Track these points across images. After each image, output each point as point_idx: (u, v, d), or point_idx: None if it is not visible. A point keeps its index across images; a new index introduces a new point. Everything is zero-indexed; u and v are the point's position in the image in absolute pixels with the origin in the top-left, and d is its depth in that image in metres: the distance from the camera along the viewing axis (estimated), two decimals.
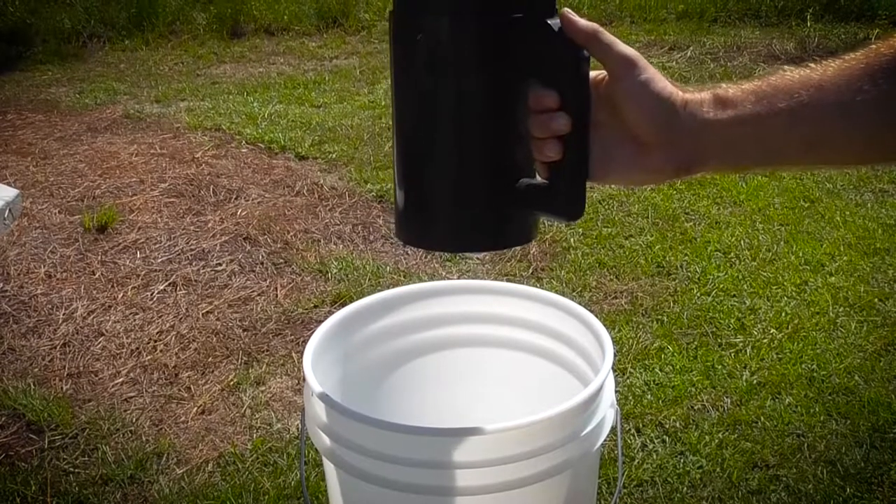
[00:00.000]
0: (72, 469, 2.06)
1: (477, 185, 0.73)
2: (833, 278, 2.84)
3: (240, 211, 3.32)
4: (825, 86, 0.70)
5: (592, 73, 0.73)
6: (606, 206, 3.34)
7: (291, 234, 3.17)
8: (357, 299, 1.05)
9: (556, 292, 1.05)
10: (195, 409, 2.28)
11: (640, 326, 2.56)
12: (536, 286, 1.05)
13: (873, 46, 0.70)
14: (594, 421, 0.85)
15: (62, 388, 2.36)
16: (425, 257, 2.98)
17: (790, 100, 0.70)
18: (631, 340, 2.48)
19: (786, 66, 0.72)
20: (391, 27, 0.74)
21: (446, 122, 0.72)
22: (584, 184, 0.74)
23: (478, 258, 2.74)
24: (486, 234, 0.76)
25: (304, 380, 0.89)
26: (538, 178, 0.75)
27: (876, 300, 2.72)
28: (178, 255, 3.01)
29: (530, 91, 0.71)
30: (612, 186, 3.43)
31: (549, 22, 0.71)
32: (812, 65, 0.71)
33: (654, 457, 2.06)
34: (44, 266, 2.92)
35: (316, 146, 3.97)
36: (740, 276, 2.87)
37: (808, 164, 0.77)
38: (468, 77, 0.71)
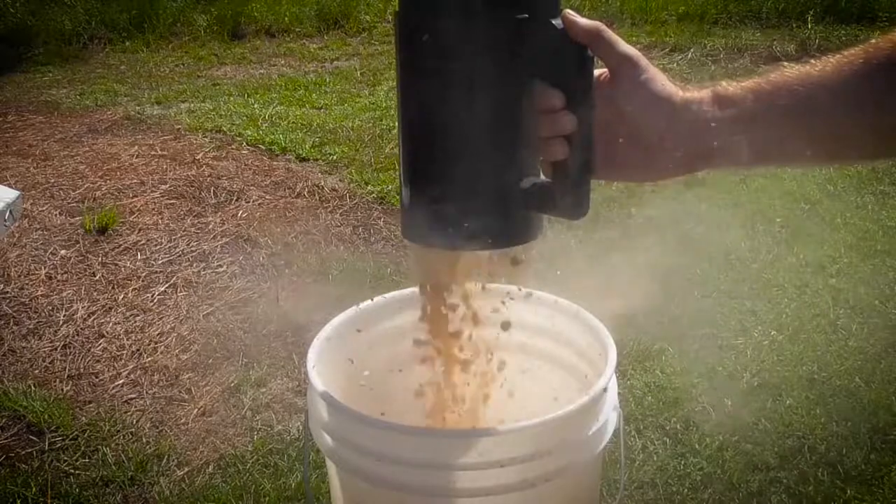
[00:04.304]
0: (72, 471, 2.06)
1: (482, 184, 0.73)
2: (833, 280, 2.84)
3: (240, 212, 3.32)
4: (824, 82, 0.70)
5: (595, 72, 0.74)
6: (607, 208, 3.34)
7: (292, 235, 3.17)
8: (358, 301, 1.05)
9: (558, 294, 1.05)
10: (196, 410, 2.28)
11: (641, 328, 2.56)
12: (536, 289, 1.05)
13: (873, 41, 0.70)
14: (597, 423, 0.85)
15: (63, 389, 2.36)
16: None
17: (790, 97, 0.70)
18: (631, 342, 2.48)
19: (785, 63, 0.72)
20: (396, 28, 0.74)
21: (451, 121, 0.72)
22: (589, 183, 0.74)
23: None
24: (491, 233, 0.76)
25: (305, 381, 0.89)
26: (543, 177, 0.75)
27: (876, 302, 2.72)
28: (179, 256, 3.01)
29: (535, 91, 0.71)
30: (613, 188, 3.43)
31: (552, 22, 0.71)
32: (812, 61, 0.71)
33: (655, 458, 2.06)
34: (44, 268, 2.92)
35: (317, 148, 3.97)
36: (741, 278, 2.87)
37: (809, 161, 0.77)
38: (473, 77, 0.71)
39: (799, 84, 0.70)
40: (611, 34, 0.72)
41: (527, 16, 0.70)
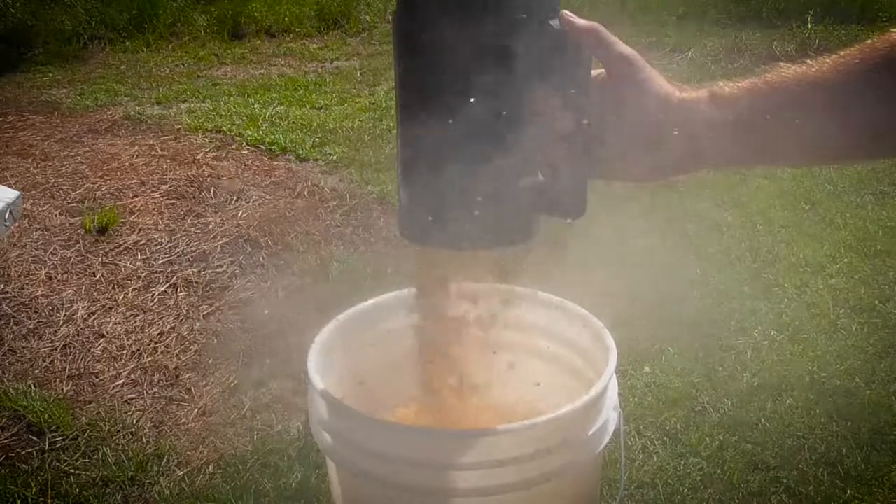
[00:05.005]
0: (72, 471, 2.06)
1: (480, 184, 0.73)
2: (833, 280, 2.84)
3: (240, 213, 3.32)
4: (821, 82, 0.70)
5: (593, 73, 0.74)
6: (606, 208, 3.33)
7: (292, 235, 3.17)
8: (358, 302, 1.05)
9: (557, 294, 1.05)
10: (196, 410, 2.28)
11: (641, 328, 2.56)
12: (536, 289, 1.05)
13: (869, 42, 0.70)
14: (598, 423, 0.85)
15: (63, 389, 2.36)
16: None
17: (786, 96, 0.70)
18: (632, 342, 2.48)
19: (782, 63, 0.73)
20: (394, 29, 0.74)
21: (450, 121, 0.72)
22: (587, 182, 0.74)
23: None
24: (489, 233, 0.76)
25: (305, 381, 0.89)
26: (541, 177, 0.75)
27: (876, 302, 2.72)
28: (179, 256, 3.01)
29: (534, 91, 0.71)
30: (613, 188, 3.43)
31: (551, 22, 0.71)
32: (808, 61, 0.71)
33: (655, 458, 2.06)
34: (44, 268, 2.92)
35: (317, 148, 3.97)
36: (741, 278, 2.87)
37: (806, 160, 0.77)
38: (472, 78, 0.71)
39: (795, 84, 0.70)
40: (609, 35, 0.72)
41: (525, 16, 0.70)
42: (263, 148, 3.98)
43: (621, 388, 2.38)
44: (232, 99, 4.73)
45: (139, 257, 3.01)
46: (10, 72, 5.28)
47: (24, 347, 2.54)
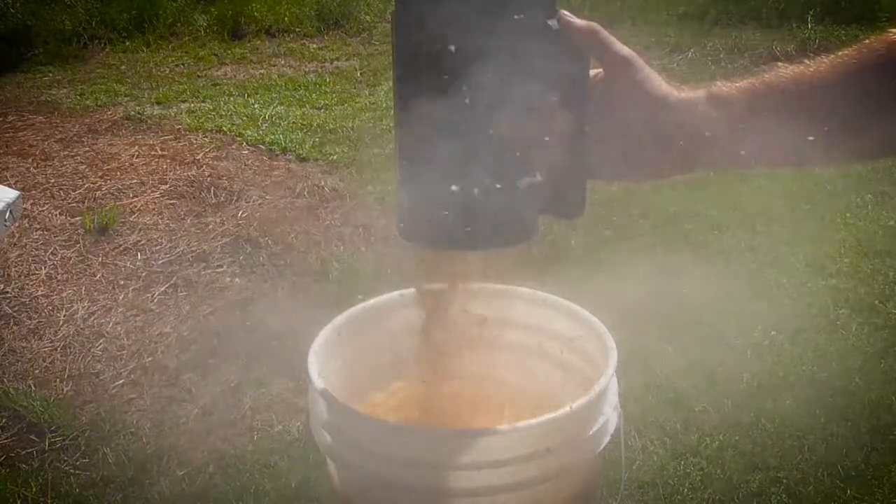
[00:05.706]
0: (72, 471, 2.06)
1: (479, 184, 0.74)
2: (834, 280, 2.84)
3: (240, 213, 3.32)
4: (817, 82, 0.70)
5: (591, 73, 0.74)
6: (606, 208, 3.34)
7: (292, 235, 3.17)
8: (358, 302, 1.05)
9: (557, 294, 1.05)
10: (196, 410, 2.28)
11: (641, 328, 2.56)
12: (537, 289, 1.05)
13: (867, 42, 0.70)
14: (598, 423, 0.85)
15: (63, 389, 2.36)
16: None
17: (783, 97, 0.70)
18: (631, 342, 2.47)
19: (780, 63, 0.73)
20: (392, 29, 0.75)
21: (447, 121, 0.72)
22: (585, 182, 0.74)
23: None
24: (488, 233, 0.76)
25: (305, 381, 0.89)
26: (539, 177, 0.75)
27: (876, 302, 2.72)
28: (179, 256, 3.02)
29: (532, 91, 0.71)
30: (612, 187, 3.42)
31: (548, 23, 0.71)
32: (806, 61, 0.71)
33: (655, 459, 2.06)
34: (45, 268, 2.92)
35: (317, 148, 3.97)
36: (741, 278, 2.87)
37: (804, 161, 0.76)
38: (469, 78, 0.71)
39: (793, 84, 0.70)
40: (606, 35, 0.72)
41: (523, 17, 0.70)
42: (263, 148, 3.98)
43: (621, 388, 2.38)
44: (232, 99, 4.73)
45: (139, 257, 3.01)
46: (10, 72, 5.27)
47: (24, 347, 2.54)
